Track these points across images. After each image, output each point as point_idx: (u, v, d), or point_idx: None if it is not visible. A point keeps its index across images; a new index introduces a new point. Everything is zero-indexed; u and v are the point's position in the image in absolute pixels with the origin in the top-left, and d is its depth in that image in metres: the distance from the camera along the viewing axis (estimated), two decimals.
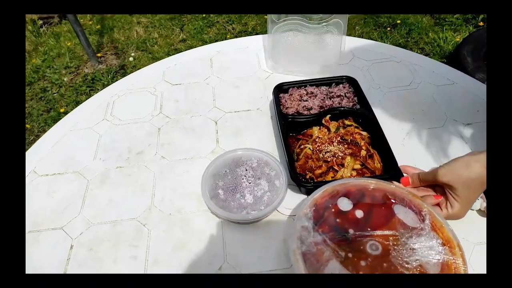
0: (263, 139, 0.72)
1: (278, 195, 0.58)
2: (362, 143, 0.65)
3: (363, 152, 0.64)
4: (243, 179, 0.60)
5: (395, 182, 0.56)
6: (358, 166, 0.62)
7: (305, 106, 0.72)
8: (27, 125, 1.92)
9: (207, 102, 0.81)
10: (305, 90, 0.76)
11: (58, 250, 0.56)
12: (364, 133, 0.67)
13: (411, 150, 0.68)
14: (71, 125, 0.77)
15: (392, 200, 0.52)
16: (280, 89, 0.76)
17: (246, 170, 0.62)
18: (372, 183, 0.54)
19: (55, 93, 2.11)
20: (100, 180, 0.66)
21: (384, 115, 0.75)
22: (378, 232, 0.49)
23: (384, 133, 0.65)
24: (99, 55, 2.26)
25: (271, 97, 0.80)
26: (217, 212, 0.56)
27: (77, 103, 2.00)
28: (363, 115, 0.69)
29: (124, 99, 0.82)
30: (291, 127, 0.70)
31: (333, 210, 0.52)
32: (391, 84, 0.82)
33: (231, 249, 0.55)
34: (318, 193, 0.53)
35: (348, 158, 0.63)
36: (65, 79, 2.19)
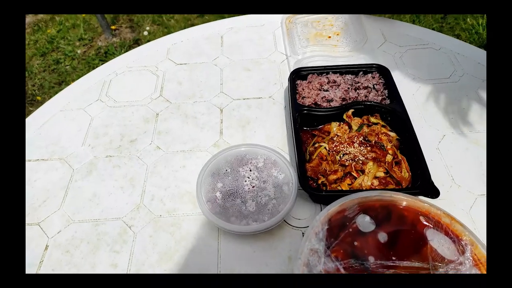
0: (274, 133, 0.62)
1: (285, 204, 0.49)
2: (389, 146, 0.55)
3: (389, 157, 0.54)
4: (246, 181, 0.51)
5: (428, 199, 0.46)
6: (381, 174, 0.53)
7: (325, 97, 0.62)
8: (38, 97, 1.89)
9: (214, 86, 0.71)
10: (327, 78, 0.65)
11: (31, 250, 0.50)
12: (393, 134, 0.57)
13: (447, 157, 0.57)
14: (62, 104, 0.69)
15: (425, 223, 0.43)
16: (298, 75, 0.66)
17: (251, 170, 0.53)
18: (401, 199, 0.45)
19: (67, 66, 2.05)
20: (87, 170, 0.58)
21: (417, 112, 0.64)
22: (405, 263, 0.39)
23: (417, 135, 0.54)
24: (113, 27, 2.18)
25: (286, 84, 0.70)
26: (212, 219, 0.48)
27: None
28: (393, 112, 0.58)
29: (122, 78, 0.74)
30: (306, 121, 0.60)
31: (350, 230, 0.43)
32: (428, 76, 0.70)
33: (226, 264, 0.47)
34: (333, 207, 0.44)
35: (370, 163, 0.53)
36: (79, 51, 2.13)
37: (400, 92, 0.61)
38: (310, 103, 0.61)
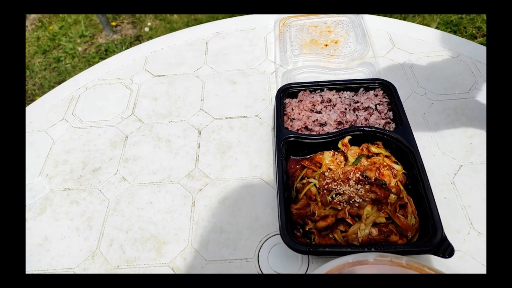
0: (258, 161, 0.53)
1: None
2: (393, 183, 0.46)
3: (392, 198, 0.44)
4: None
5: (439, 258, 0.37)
6: (382, 220, 0.43)
7: (317, 120, 0.52)
8: (36, 97, 1.84)
9: (193, 102, 0.62)
10: (321, 96, 0.55)
11: None
12: (398, 167, 0.47)
13: (464, 194, 0.47)
14: None
15: None
16: (287, 93, 0.56)
17: None
18: (404, 266, 0.35)
19: (67, 64, 2.00)
20: (41, 207, 0.51)
21: (429, 136, 0.54)
22: None
23: (426, 166, 0.45)
24: (113, 24, 2.11)
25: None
26: None
27: None
28: (398, 141, 0.48)
29: (92, 93, 0.66)
30: (294, 148, 0.51)
31: None
32: (443, 90, 0.59)
33: None
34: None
35: (368, 207, 0.43)
36: (79, 48, 2.07)
37: (409, 111, 0.51)
38: (299, 127, 0.52)
